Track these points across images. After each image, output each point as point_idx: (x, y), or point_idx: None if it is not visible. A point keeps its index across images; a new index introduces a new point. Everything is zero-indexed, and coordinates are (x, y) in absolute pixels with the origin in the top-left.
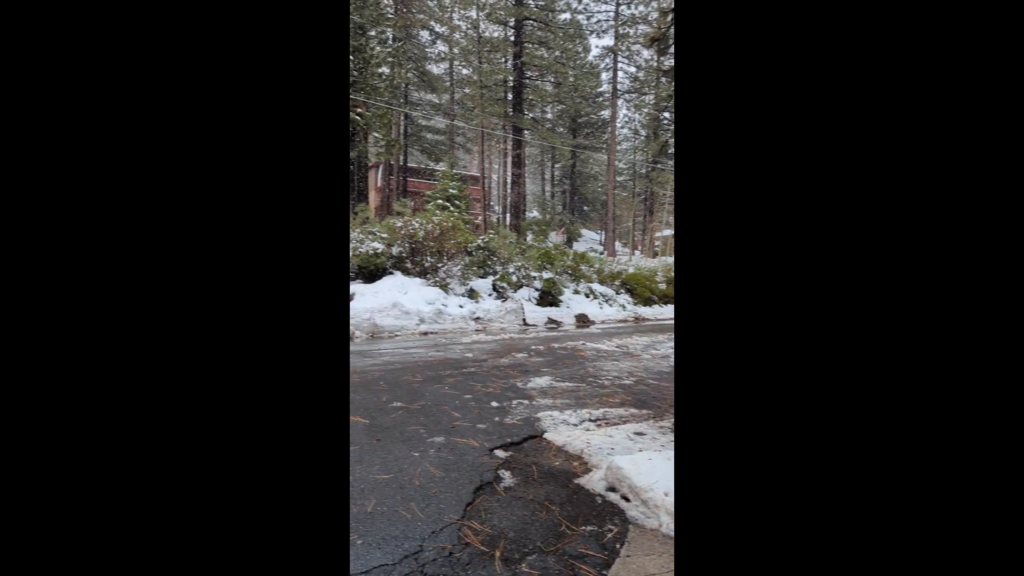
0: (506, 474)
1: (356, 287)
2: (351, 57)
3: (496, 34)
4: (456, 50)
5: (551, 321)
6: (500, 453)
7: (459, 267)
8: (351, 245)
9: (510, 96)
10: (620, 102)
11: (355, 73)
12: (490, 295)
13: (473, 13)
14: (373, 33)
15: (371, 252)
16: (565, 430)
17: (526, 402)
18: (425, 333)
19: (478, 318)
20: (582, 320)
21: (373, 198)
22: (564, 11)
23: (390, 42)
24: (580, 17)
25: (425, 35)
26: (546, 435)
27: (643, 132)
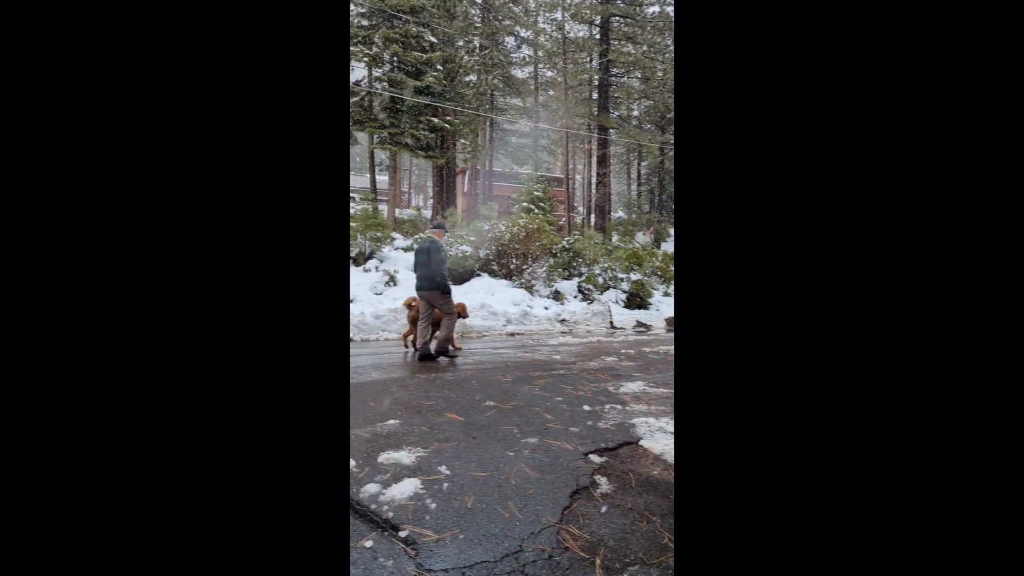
0: (602, 480)
1: None
2: (440, 68)
3: (581, 33)
4: (541, 53)
5: (640, 324)
6: (595, 458)
7: (544, 269)
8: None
9: (595, 95)
10: None
11: (444, 83)
12: (575, 297)
13: (558, 15)
14: (461, 43)
15: (460, 255)
16: (662, 438)
17: (619, 407)
18: (512, 334)
19: (563, 320)
20: (673, 324)
21: (460, 203)
22: (652, 3)
23: (477, 50)
24: (669, 9)
25: (510, 41)
26: (642, 442)
27: None
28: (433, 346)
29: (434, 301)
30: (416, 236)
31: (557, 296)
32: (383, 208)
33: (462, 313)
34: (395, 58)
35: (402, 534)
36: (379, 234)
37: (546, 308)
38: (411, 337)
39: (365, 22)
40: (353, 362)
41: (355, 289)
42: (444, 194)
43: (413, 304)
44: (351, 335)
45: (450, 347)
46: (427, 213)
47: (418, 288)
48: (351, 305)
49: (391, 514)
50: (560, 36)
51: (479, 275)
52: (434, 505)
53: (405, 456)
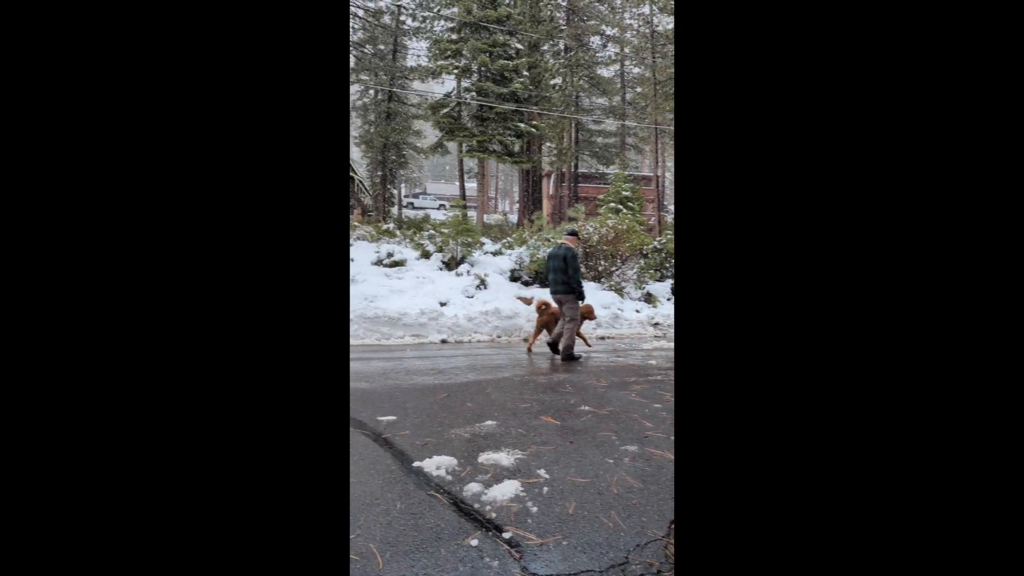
0: None
1: (534, 291)
2: (526, 73)
3: (670, 26)
4: (627, 49)
5: None
6: None
7: (634, 270)
8: (527, 252)
9: None
10: None
11: (530, 87)
12: (669, 299)
13: (646, 8)
14: (546, 47)
15: (547, 258)
16: None
17: None
18: (602, 337)
19: (656, 323)
20: None
21: (546, 206)
22: None
23: (562, 53)
24: None
25: (596, 40)
26: None
27: None
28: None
29: (565, 305)
30: (503, 240)
31: (649, 299)
32: (472, 214)
33: (589, 315)
34: (483, 68)
35: (506, 535)
36: (469, 239)
37: (637, 311)
38: (541, 337)
39: (454, 36)
40: (448, 363)
41: (448, 293)
42: (530, 198)
43: (544, 308)
44: (445, 337)
45: (576, 349)
46: (513, 217)
47: (553, 292)
48: (445, 308)
49: (494, 514)
50: (648, 31)
51: None
52: (535, 508)
53: (504, 457)
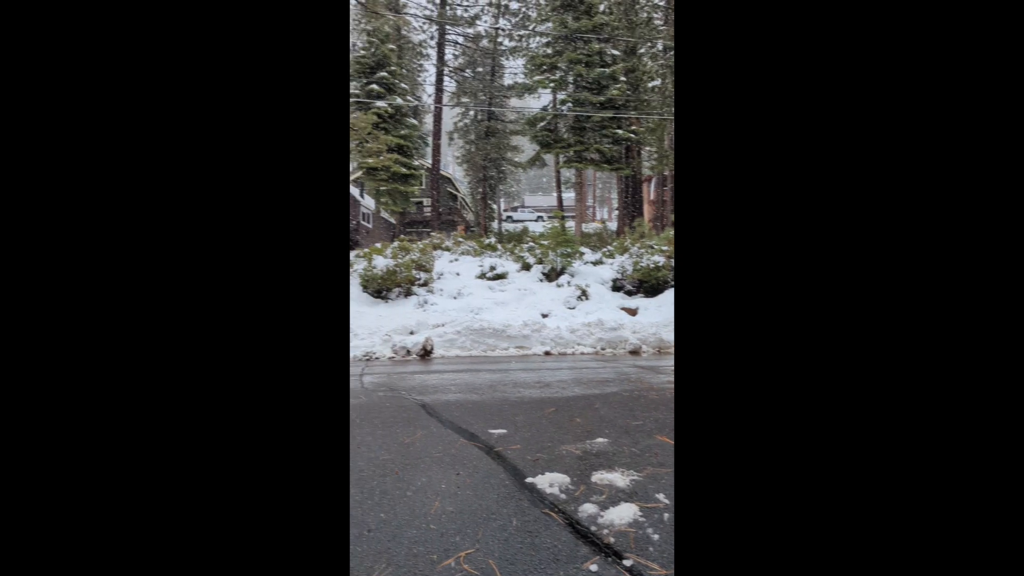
0: None
1: (638, 301)
2: (623, 79)
3: None
4: None
5: None
6: None
7: None
8: (630, 260)
9: None
10: None
11: (628, 93)
12: None
13: None
14: (643, 50)
15: (651, 266)
16: None
17: None
18: None
19: None
20: None
21: (647, 211)
22: None
23: (661, 54)
24: None
25: None
26: None
27: None
28: None
29: None
30: (603, 249)
31: None
32: (570, 224)
33: None
34: (578, 78)
35: (626, 563)
36: (568, 250)
37: None
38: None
39: (549, 50)
40: (553, 376)
41: (549, 304)
42: (630, 204)
43: None
44: (549, 349)
45: None
46: (612, 225)
47: None
48: (547, 320)
49: (612, 539)
50: None
51: (673, 286)
52: (656, 536)
53: (619, 478)
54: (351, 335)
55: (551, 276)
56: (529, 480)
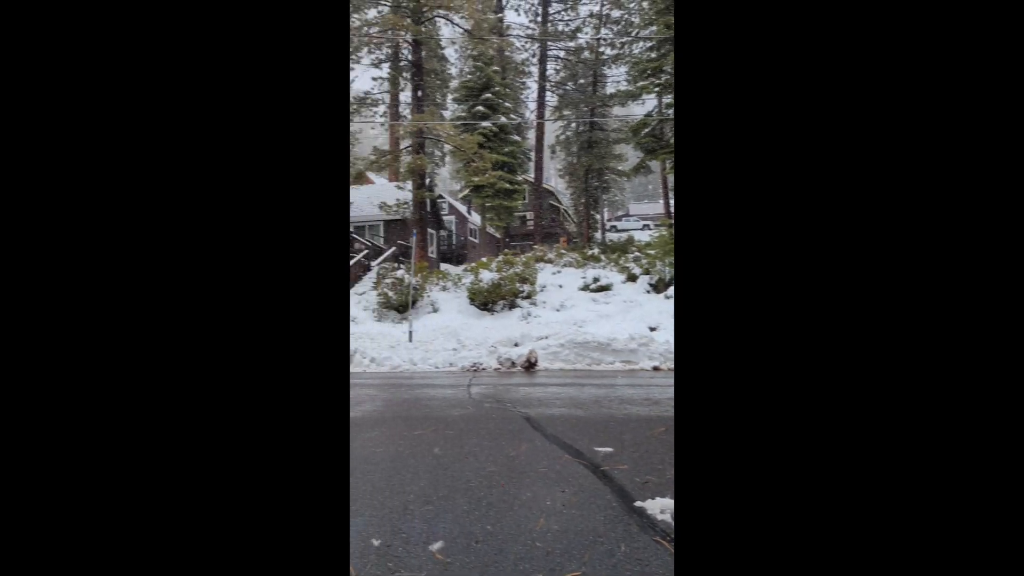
0: None
1: None
2: None
3: None
4: None
5: None
6: None
7: None
8: None
9: None
10: None
11: None
12: None
13: None
14: None
15: None
16: None
17: None
18: None
19: None
20: None
21: None
22: None
23: None
24: None
25: None
26: None
27: None
28: None
29: None
30: None
31: None
32: None
33: None
34: None
35: None
36: None
37: None
38: None
39: (653, 54)
40: (663, 393)
41: (657, 317)
42: None
43: None
44: (658, 364)
45: None
46: None
47: None
48: (654, 333)
49: None
50: None
51: None
52: None
53: None
54: (460, 345)
55: (659, 287)
56: (638, 504)
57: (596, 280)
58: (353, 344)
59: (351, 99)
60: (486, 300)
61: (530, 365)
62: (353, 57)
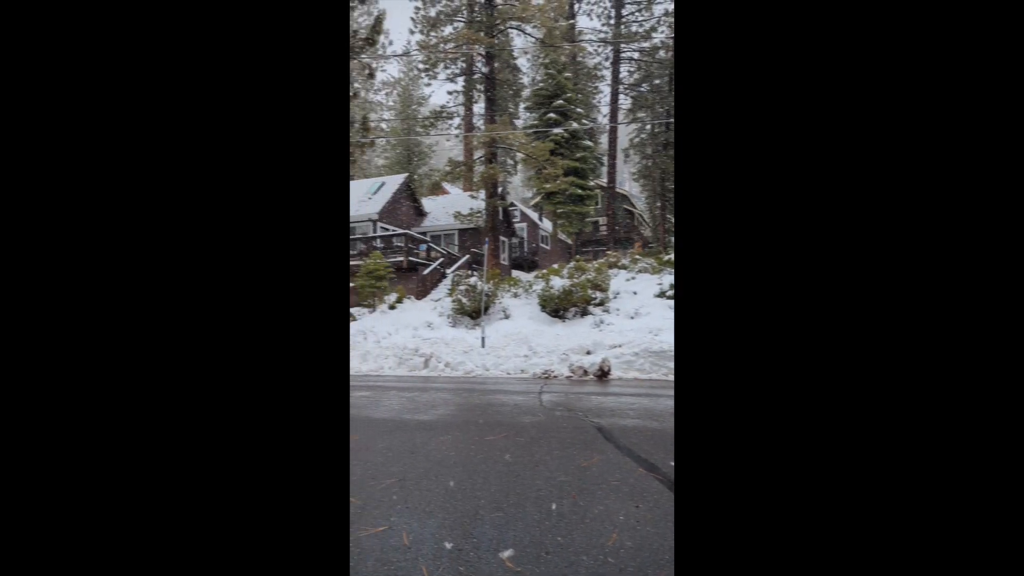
0: None
1: None
2: None
3: None
4: None
5: None
6: None
7: None
8: None
9: None
10: None
11: None
12: None
13: None
14: None
15: None
16: None
17: None
18: None
19: None
20: None
21: None
22: None
23: None
24: None
25: None
26: None
27: None
28: None
29: None
30: None
31: None
32: None
33: None
34: None
35: None
36: None
37: None
38: None
39: None
40: None
41: None
42: None
43: None
44: None
45: None
46: None
47: None
48: None
49: None
50: None
51: None
52: None
53: None
54: (531, 352)
55: None
56: None
57: (673, 287)
58: (429, 349)
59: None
60: (557, 307)
61: (603, 374)
62: (430, 73)
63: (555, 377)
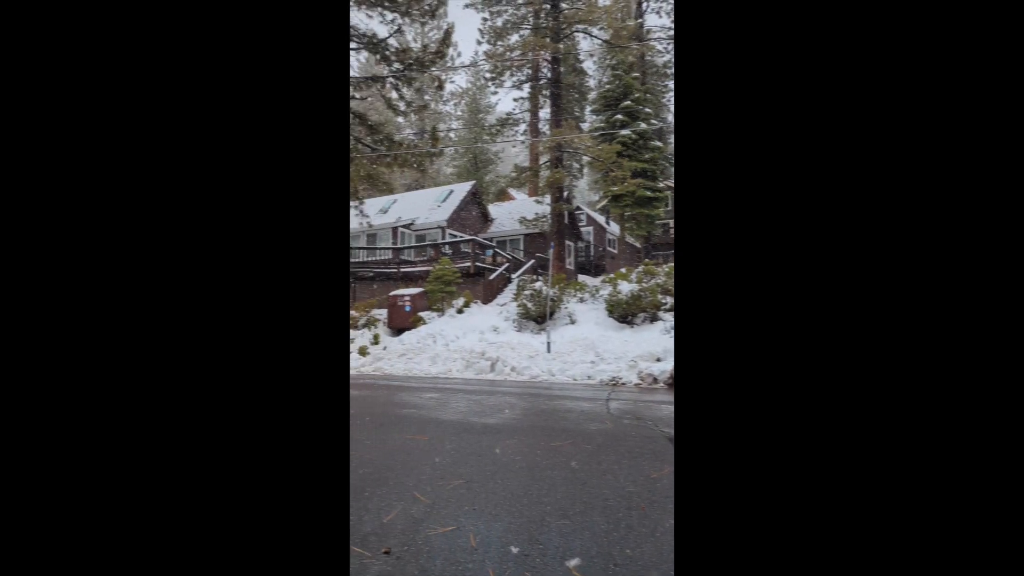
0: None
1: None
2: None
3: None
4: None
5: None
6: None
7: None
8: None
9: None
10: None
11: None
12: None
13: None
14: None
15: None
16: None
17: None
18: None
19: None
20: None
21: None
22: None
23: None
24: None
25: None
26: None
27: None
28: None
29: None
30: None
31: None
32: None
33: None
34: None
35: None
36: None
37: None
38: None
39: None
40: None
41: None
42: None
43: None
44: None
45: None
46: None
47: None
48: None
49: None
50: None
51: None
52: None
53: None
54: (598, 358)
55: None
56: None
57: None
58: (495, 353)
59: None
60: (625, 312)
61: (674, 382)
62: (497, 81)
63: (623, 384)
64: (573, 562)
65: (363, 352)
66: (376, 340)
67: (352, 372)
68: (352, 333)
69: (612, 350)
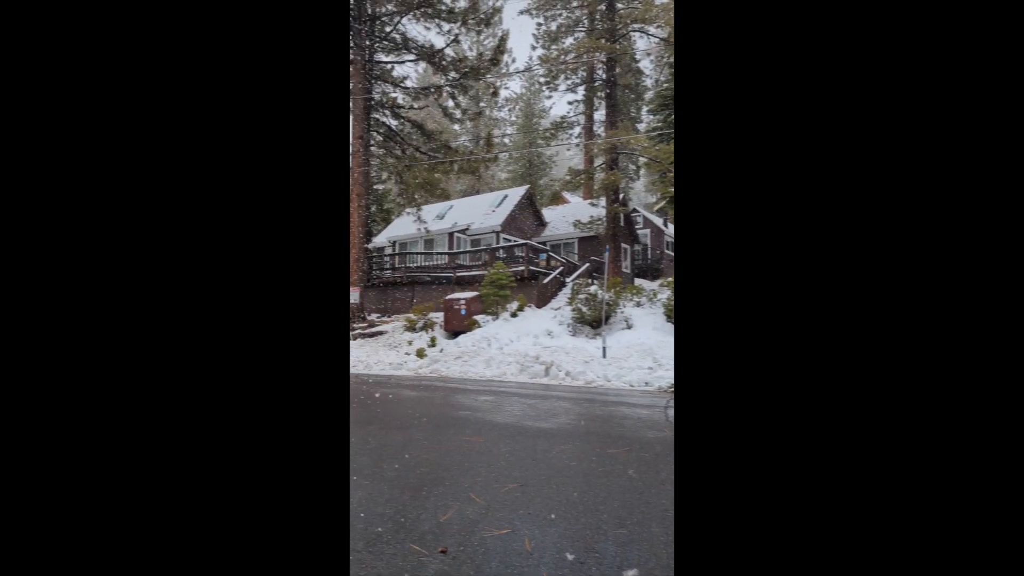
0: None
1: None
2: None
3: None
4: None
5: None
6: None
7: None
8: None
9: None
10: None
11: None
12: None
13: None
14: None
15: None
16: None
17: None
18: None
19: None
20: None
21: None
22: None
23: None
24: None
25: None
26: None
27: None
28: None
29: None
30: None
31: None
32: None
33: None
34: None
35: None
36: None
37: None
38: None
39: None
40: None
41: None
42: None
43: None
44: None
45: None
46: None
47: None
48: None
49: None
50: None
51: None
52: None
53: None
54: (656, 364)
55: None
56: None
57: None
58: (549, 357)
59: (549, 125)
60: None
61: None
62: (551, 85)
63: None
64: (631, 573)
65: (421, 354)
66: (433, 343)
67: (410, 373)
68: (410, 335)
69: (670, 356)
